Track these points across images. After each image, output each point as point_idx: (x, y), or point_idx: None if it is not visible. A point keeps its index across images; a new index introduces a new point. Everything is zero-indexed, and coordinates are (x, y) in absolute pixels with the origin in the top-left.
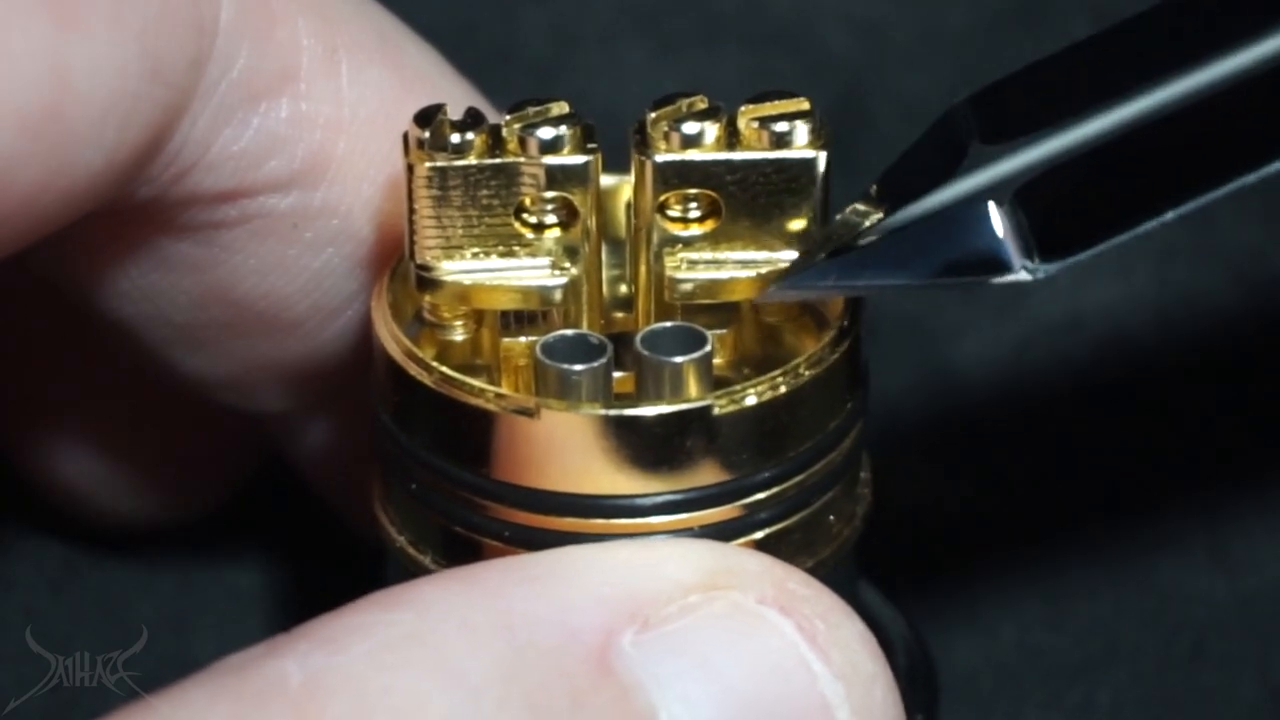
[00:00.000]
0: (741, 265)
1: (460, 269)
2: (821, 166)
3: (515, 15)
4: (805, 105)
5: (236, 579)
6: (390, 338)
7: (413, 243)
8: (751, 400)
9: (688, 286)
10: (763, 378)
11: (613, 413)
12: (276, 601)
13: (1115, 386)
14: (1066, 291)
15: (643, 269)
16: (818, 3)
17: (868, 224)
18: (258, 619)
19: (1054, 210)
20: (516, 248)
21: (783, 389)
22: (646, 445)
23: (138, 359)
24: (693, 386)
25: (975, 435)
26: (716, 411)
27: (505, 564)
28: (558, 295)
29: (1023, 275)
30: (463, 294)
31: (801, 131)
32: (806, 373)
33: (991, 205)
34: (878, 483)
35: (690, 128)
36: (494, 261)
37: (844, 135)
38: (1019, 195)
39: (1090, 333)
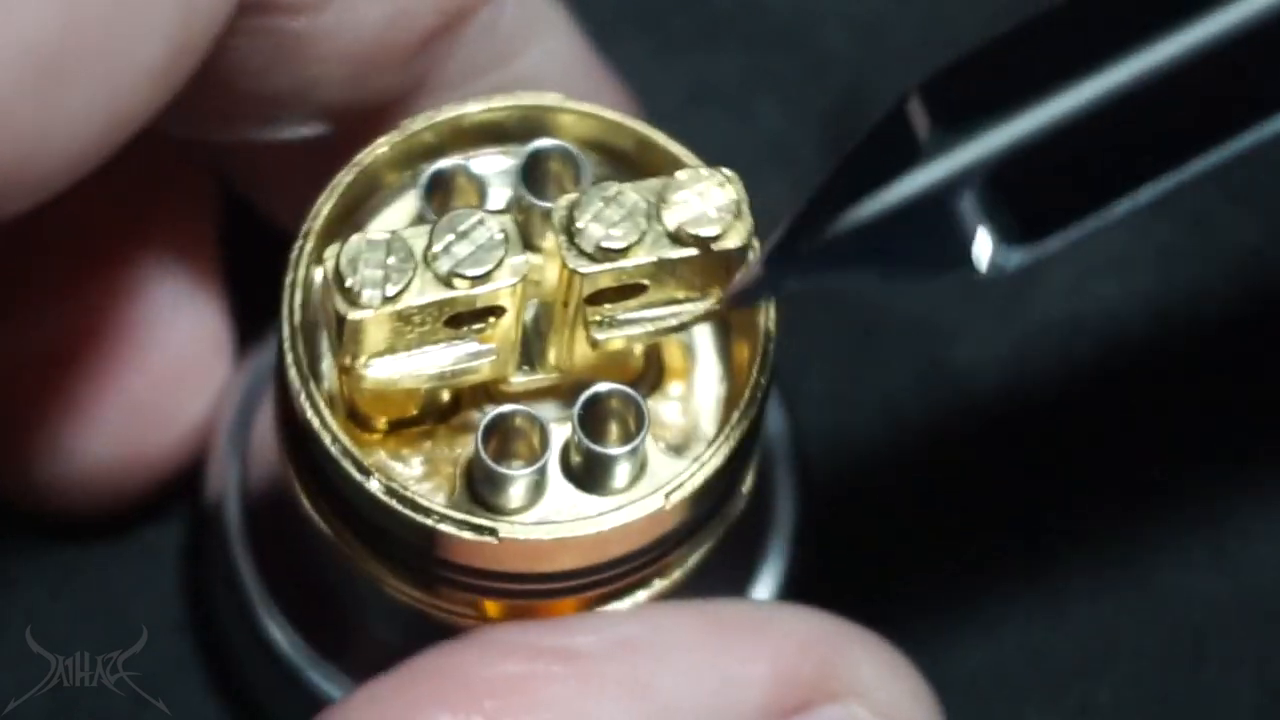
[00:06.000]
0: (667, 313)
1: (387, 368)
2: (754, 252)
3: None
4: (733, 194)
5: None
6: (324, 430)
7: (337, 353)
8: (697, 484)
9: (617, 344)
10: (706, 451)
11: (571, 535)
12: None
13: (1115, 386)
14: (1066, 291)
15: (567, 333)
16: (818, 3)
17: (826, 220)
18: None
19: (1019, 197)
20: (443, 341)
21: (716, 461)
22: (601, 541)
23: None
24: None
25: (975, 435)
26: (667, 507)
27: None
28: (485, 370)
29: (996, 264)
30: (388, 387)
31: (736, 231)
32: (724, 446)
33: (953, 195)
34: (880, 481)
35: (617, 241)
36: (418, 355)
37: (844, 135)
38: (982, 182)
39: (1090, 333)
